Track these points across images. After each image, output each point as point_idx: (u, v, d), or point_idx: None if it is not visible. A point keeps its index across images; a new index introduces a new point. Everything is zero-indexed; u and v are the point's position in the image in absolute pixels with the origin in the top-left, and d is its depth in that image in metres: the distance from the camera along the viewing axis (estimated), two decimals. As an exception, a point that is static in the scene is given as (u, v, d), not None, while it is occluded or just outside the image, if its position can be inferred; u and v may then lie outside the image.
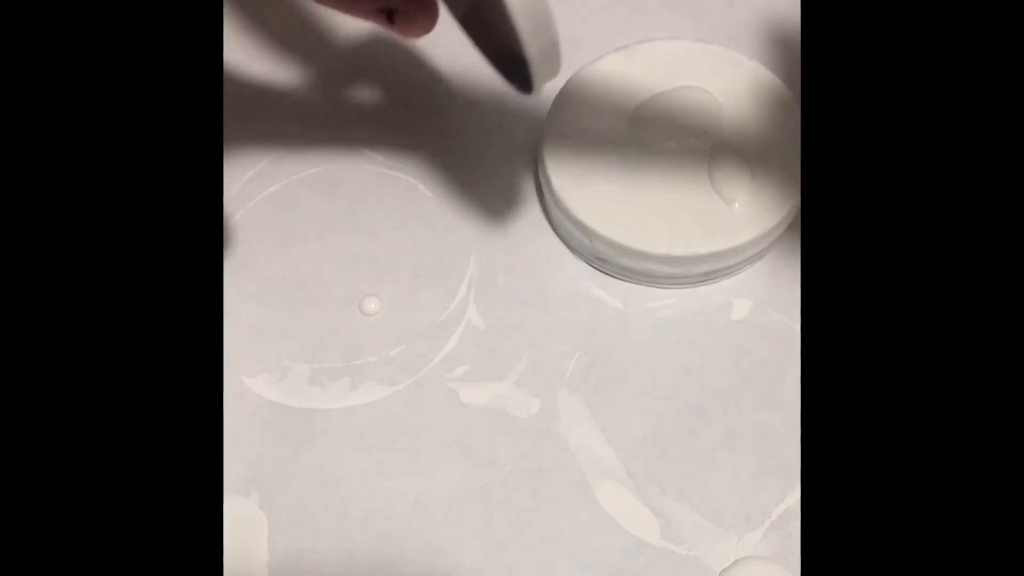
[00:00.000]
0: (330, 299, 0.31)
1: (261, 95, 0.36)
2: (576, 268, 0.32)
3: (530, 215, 0.33)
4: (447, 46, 0.36)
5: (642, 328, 0.30)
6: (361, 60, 0.36)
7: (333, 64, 0.36)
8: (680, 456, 0.28)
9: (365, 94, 0.36)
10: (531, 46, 0.22)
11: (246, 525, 0.28)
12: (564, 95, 0.32)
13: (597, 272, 0.31)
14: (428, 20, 0.27)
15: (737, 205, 0.29)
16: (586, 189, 0.30)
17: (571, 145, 0.31)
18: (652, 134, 0.30)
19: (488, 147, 0.34)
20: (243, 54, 0.37)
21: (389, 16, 0.27)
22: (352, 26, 0.37)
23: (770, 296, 0.31)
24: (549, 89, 0.32)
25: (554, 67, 0.23)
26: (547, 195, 0.31)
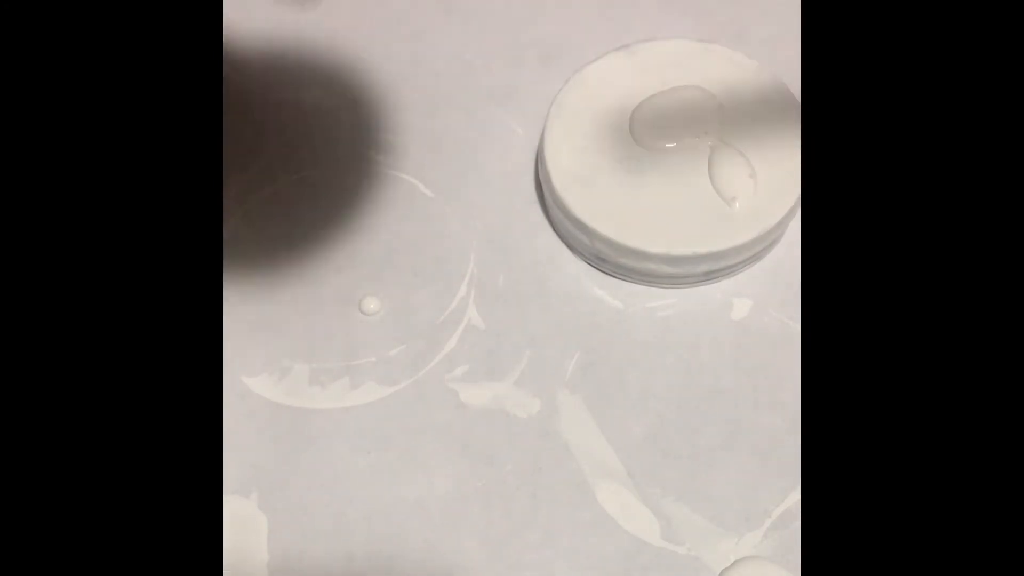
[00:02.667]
0: (330, 299, 0.31)
1: (261, 95, 0.36)
2: (576, 268, 0.31)
3: (530, 215, 0.33)
4: (448, 46, 0.36)
5: (642, 328, 0.30)
6: (361, 60, 0.36)
7: (333, 64, 0.36)
8: (680, 456, 0.28)
9: (365, 93, 0.36)
10: None
11: (246, 525, 0.28)
12: (565, 95, 0.31)
13: (597, 272, 0.31)
14: None
15: (737, 204, 0.29)
16: (586, 188, 0.30)
17: (571, 144, 0.31)
18: (652, 133, 0.30)
19: (488, 147, 0.34)
20: (244, 54, 0.37)
21: None
22: (352, 27, 0.37)
23: (770, 296, 0.31)
24: (551, 88, 0.33)
25: None
26: (547, 195, 0.31)
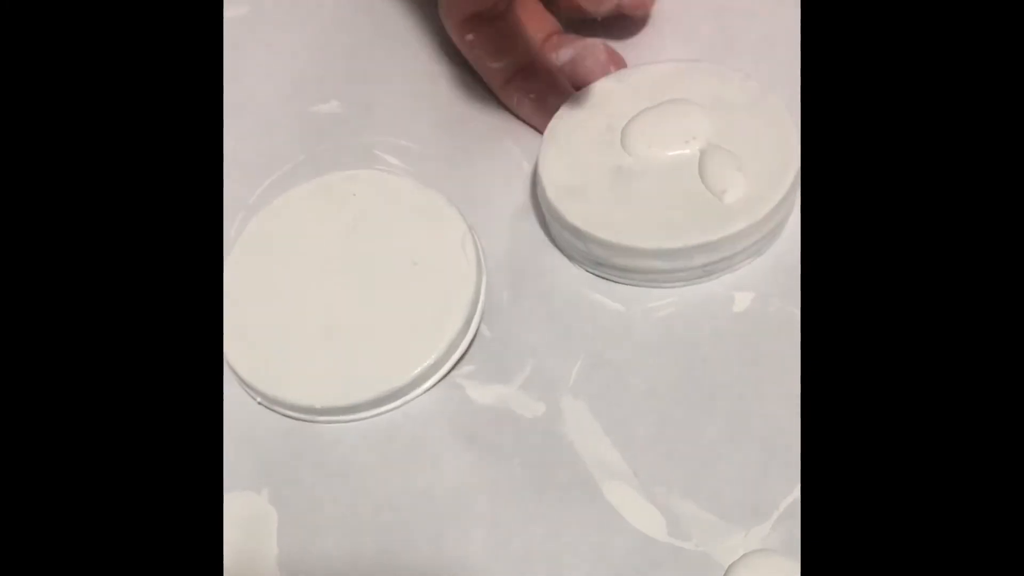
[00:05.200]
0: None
1: (277, 107, 0.37)
2: (576, 276, 0.32)
3: (532, 231, 0.33)
4: (453, 54, 0.37)
5: (644, 329, 0.31)
6: (364, 65, 0.38)
7: (336, 68, 0.38)
8: (685, 455, 0.28)
9: (377, 103, 0.37)
10: None
11: (257, 521, 0.28)
12: (556, 121, 0.33)
13: (597, 278, 0.32)
14: None
15: (728, 196, 0.30)
16: (579, 198, 0.30)
17: (564, 163, 0.32)
18: (642, 142, 0.31)
19: (491, 165, 0.35)
20: (258, 68, 0.38)
21: None
22: (353, 29, 0.38)
23: (771, 286, 0.31)
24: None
25: None
26: (543, 207, 0.32)
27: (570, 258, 0.32)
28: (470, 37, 0.33)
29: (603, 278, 0.32)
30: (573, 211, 0.30)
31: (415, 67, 0.38)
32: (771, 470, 0.28)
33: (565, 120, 0.33)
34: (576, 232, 0.30)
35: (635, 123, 0.32)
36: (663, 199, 0.30)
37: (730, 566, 0.26)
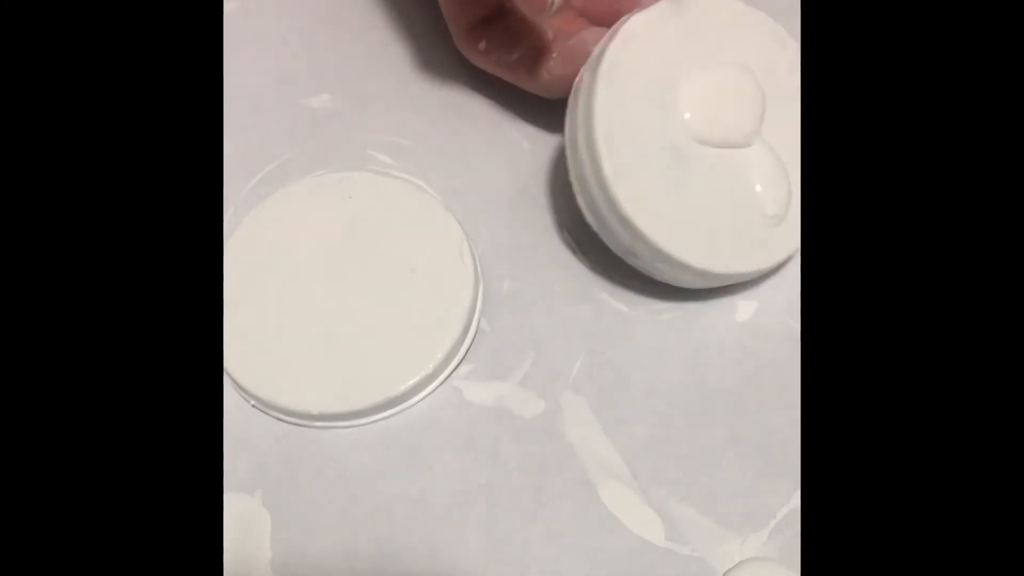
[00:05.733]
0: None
1: (267, 100, 0.36)
2: (579, 272, 0.32)
3: (535, 219, 0.33)
4: (447, 46, 0.36)
5: (646, 331, 0.30)
6: (356, 57, 0.37)
7: (337, 66, 0.37)
8: (684, 458, 0.28)
9: (369, 97, 0.36)
10: None
11: (250, 523, 0.28)
12: (614, 51, 0.28)
13: (601, 277, 0.31)
14: None
15: (776, 221, 0.28)
16: (634, 179, 0.27)
17: (621, 118, 0.27)
18: (702, 120, 0.28)
19: (489, 150, 0.34)
20: (248, 60, 0.37)
21: None
22: (346, 21, 0.37)
23: (775, 297, 0.30)
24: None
25: None
26: (590, 175, 0.28)
27: (600, 234, 0.30)
28: (482, 45, 0.32)
29: (606, 277, 0.31)
30: (629, 199, 0.27)
31: (408, 59, 0.37)
32: (770, 479, 0.28)
33: (622, 52, 0.27)
34: (625, 222, 0.27)
35: (693, 86, 0.28)
36: (714, 203, 0.28)
37: (725, 573, 0.26)
